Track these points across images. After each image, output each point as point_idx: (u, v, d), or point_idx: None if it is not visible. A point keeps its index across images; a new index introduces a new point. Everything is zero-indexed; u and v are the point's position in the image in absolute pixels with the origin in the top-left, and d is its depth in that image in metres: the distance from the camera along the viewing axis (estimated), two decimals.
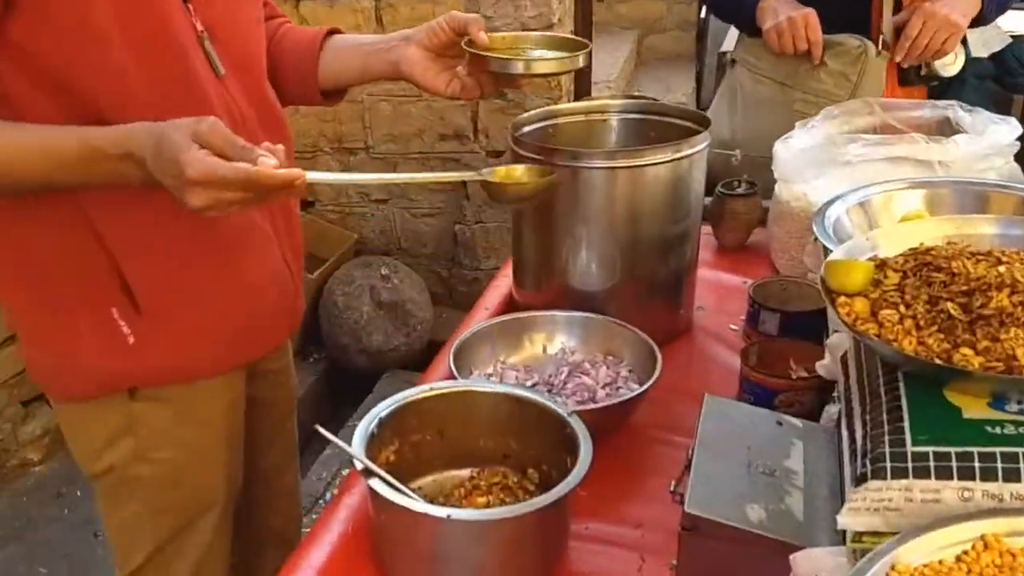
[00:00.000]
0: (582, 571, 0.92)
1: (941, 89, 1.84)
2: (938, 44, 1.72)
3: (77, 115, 0.94)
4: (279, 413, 1.36)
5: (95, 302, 1.04)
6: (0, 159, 0.92)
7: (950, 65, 1.83)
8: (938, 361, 0.74)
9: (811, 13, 1.76)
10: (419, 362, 2.62)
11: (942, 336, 0.75)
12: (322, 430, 0.90)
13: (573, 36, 1.53)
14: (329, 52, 1.21)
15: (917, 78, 1.84)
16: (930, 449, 0.73)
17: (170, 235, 1.04)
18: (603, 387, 1.22)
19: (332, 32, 1.24)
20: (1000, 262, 0.79)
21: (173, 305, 1.06)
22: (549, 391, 1.21)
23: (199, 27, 1.01)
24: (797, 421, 1.08)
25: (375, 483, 0.83)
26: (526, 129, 1.37)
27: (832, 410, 1.12)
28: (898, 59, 1.78)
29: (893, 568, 0.66)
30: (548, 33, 1.54)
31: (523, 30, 2.62)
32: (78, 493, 2.38)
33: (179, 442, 1.14)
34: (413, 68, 1.15)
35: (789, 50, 1.77)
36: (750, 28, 1.91)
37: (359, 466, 0.85)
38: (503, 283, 1.52)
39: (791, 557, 0.80)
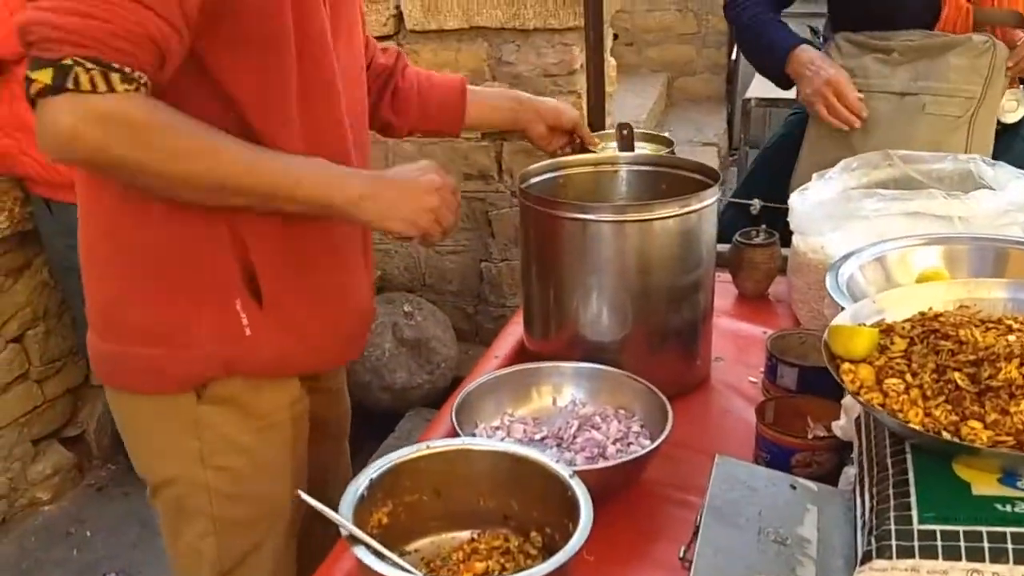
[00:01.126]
0: None
1: (998, 138, 1.82)
2: None
3: (236, 128, 1.02)
4: (338, 432, 1.41)
5: (220, 293, 1.09)
6: (241, 176, 0.99)
7: (1011, 113, 1.80)
8: (946, 435, 0.72)
9: (841, 81, 1.76)
10: (443, 400, 2.59)
11: (950, 408, 0.73)
12: (304, 496, 0.88)
13: (662, 135, 1.70)
14: (470, 105, 1.44)
15: None
16: (937, 528, 0.70)
17: (300, 235, 1.11)
18: (614, 442, 1.20)
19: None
20: (1011, 330, 0.76)
21: (293, 303, 1.13)
22: (558, 445, 1.19)
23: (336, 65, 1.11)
24: (812, 485, 1.04)
25: (360, 551, 0.81)
26: (534, 180, 1.37)
27: (850, 472, 1.09)
28: (1011, 63, 1.75)
29: None
30: (643, 130, 1.72)
31: (545, 75, 2.65)
32: (88, 533, 2.36)
33: (243, 448, 1.15)
34: (536, 137, 1.46)
35: (845, 125, 1.77)
36: (780, 82, 1.90)
37: (344, 533, 0.83)
38: (515, 330, 1.51)
39: None
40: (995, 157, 1.81)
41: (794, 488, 1.03)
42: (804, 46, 1.84)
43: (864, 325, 0.87)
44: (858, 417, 1.04)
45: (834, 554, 0.93)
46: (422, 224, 1.09)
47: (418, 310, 2.86)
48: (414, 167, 1.12)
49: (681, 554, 1.00)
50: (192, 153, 0.96)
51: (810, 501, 1.01)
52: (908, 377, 0.76)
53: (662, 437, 1.13)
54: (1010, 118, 1.81)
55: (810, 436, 1.16)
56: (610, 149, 1.47)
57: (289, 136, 1.06)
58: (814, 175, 1.45)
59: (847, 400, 1.09)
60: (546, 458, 0.97)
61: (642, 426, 1.23)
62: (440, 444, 0.98)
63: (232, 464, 1.15)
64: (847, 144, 1.77)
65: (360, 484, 0.89)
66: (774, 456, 1.16)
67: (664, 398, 1.20)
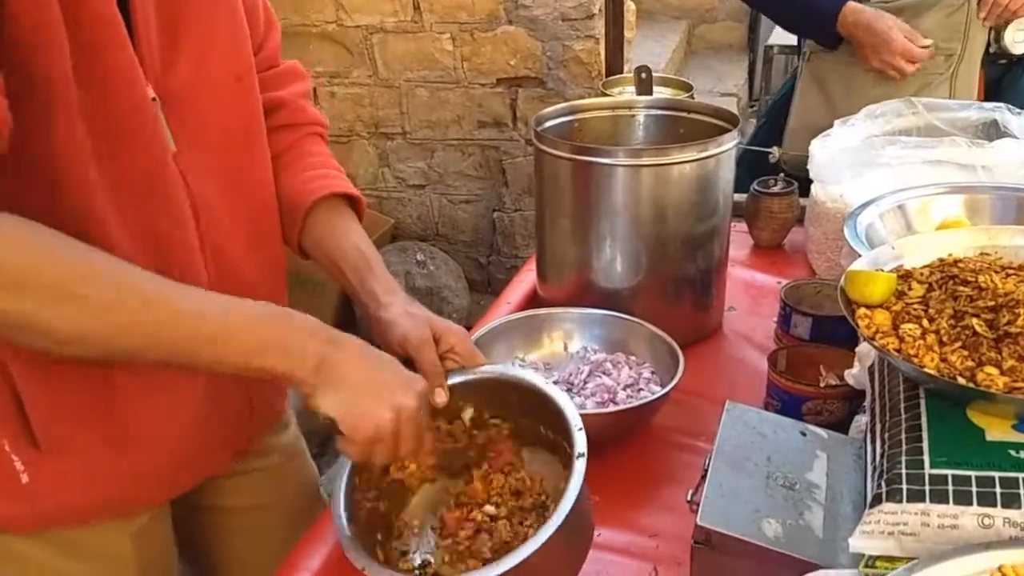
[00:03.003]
0: None
1: (1007, 71, 1.80)
2: (1018, 3, 1.70)
3: (28, 185, 0.77)
4: (263, 523, 1.14)
5: None
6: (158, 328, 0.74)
7: (1020, 43, 1.77)
8: (961, 380, 0.71)
9: (912, 50, 1.75)
10: None
11: (966, 353, 0.72)
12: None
13: (681, 79, 1.62)
14: (321, 227, 1.04)
15: (985, 55, 1.80)
16: (949, 472, 0.69)
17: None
18: (624, 388, 1.20)
19: (336, 194, 1.05)
20: None
21: (78, 440, 0.87)
22: (569, 390, 1.19)
23: (151, 94, 0.83)
24: (823, 432, 1.04)
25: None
26: (549, 124, 1.35)
27: (861, 421, 1.09)
28: (982, 16, 1.74)
29: None
30: (661, 74, 1.61)
31: (563, 20, 2.60)
32: None
33: None
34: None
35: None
36: (827, 39, 1.86)
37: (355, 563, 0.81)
38: (527, 277, 1.51)
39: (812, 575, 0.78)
40: (1001, 91, 1.79)
41: (804, 435, 1.03)
42: (851, 3, 1.80)
43: (882, 271, 0.85)
44: (872, 364, 1.04)
45: (843, 500, 0.93)
46: (380, 429, 0.81)
47: (431, 259, 2.86)
48: (401, 369, 0.86)
49: (689, 497, 1.00)
50: (109, 302, 0.72)
51: (820, 448, 1.01)
52: (925, 323, 0.75)
53: (672, 383, 1.12)
54: (1019, 49, 1.79)
55: (822, 384, 1.15)
56: (627, 94, 1.44)
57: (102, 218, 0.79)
58: (836, 125, 1.42)
59: (861, 348, 1.08)
60: (528, 375, 0.97)
61: (653, 373, 1.22)
62: None
63: None
64: (830, 101, 1.81)
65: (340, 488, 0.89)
66: (785, 404, 1.16)
67: (675, 345, 1.20)
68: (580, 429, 0.88)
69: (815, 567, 0.84)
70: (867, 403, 1.03)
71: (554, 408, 0.91)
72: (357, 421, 0.80)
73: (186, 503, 1.05)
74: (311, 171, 1.05)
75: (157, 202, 0.85)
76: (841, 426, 1.10)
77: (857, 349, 1.10)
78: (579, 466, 0.84)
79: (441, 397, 0.93)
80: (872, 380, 1.02)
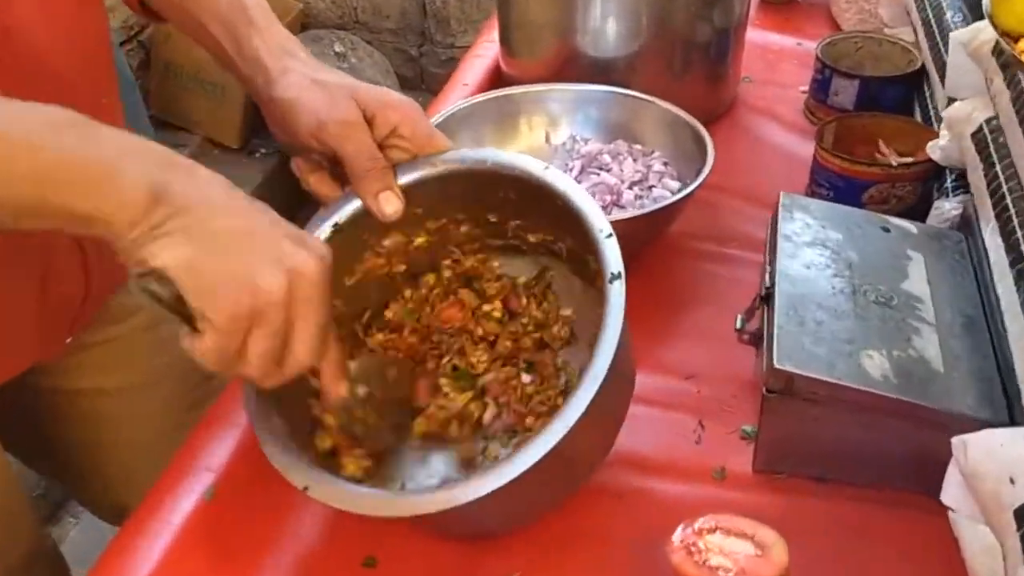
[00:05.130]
0: (622, 444, 0.66)
1: None
2: None
3: None
4: (132, 409, 0.87)
5: None
6: None
7: None
8: None
9: None
10: None
11: None
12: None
13: None
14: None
15: None
16: None
17: None
18: (630, 186, 0.92)
19: None
20: None
21: None
22: None
23: None
24: (909, 224, 0.79)
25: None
26: None
27: (947, 207, 0.83)
28: None
29: None
30: None
31: None
32: None
33: None
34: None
35: None
36: None
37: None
38: (487, 52, 1.17)
39: (955, 441, 0.54)
40: None
41: (887, 231, 0.77)
42: None
43: None
44: (977, 130, 0.77)
45: (952, 314, 0.69)
46: (257, 300, 0.49)
47: (352, 51, 2.44)
48: (283, 221, 0.53)
49: (739, 325, 0.75)
50: None
51: (911, 247, 0.75)
52: None
53: (703, 173, 0.84)
54: None
55: (895, 164, 0.88)
56: None
57: None
58: None
59: (956, 110, 0.81)
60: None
61: (665, 164, 0.94)
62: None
63: None
64: None
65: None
66: (839, 192, 0.90)
67: (696, 124, 0.91)
68: (610, 235, 0.60)
69: (937, 414, 0.61)
70: (974, 181, 0.76)
71: (565, 207, 0.62)
72: (216, 286, 0.48)
73: (20, 389, 0.74)
74: None
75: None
76: (910, 215, 0.84)
77: (947, 113, 0.82)
78: (616, 293, 0.57)
79: (391, 203, 0.63)
80: (983, 150, 0.75)
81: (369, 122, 0.63)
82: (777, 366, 0.63)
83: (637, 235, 0.85)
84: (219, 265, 0.48)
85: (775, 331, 0.65)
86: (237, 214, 0.50)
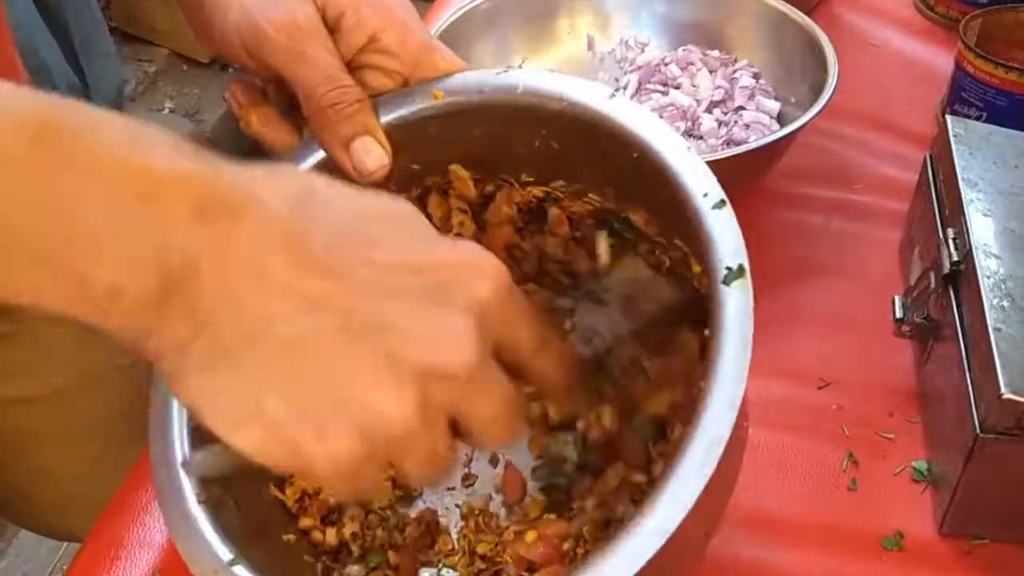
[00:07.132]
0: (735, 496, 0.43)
1: None
2: None
3: None
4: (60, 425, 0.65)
5: None
6: None
7: None
8: None
9: None
10: None
11: None
12: None
13: None
14: None
15: None
16: None
17: None
18: (709, 108, 0.67)
19: None
20: None
21: None
22: None
23: None
24: None
25: None
26: None
27: None
28: None
29: None
30: None
31: None
32: None
33: None
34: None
35: None
36: None
37: None
38: None
39: None
40: None
41: None
42: None
43: None
44: None
45: None
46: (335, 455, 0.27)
47: None
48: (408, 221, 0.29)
49: (900, 313, 0.51)
50: None
51: None
52: None
53: (828, 90, 0.59)
54: None
55: None
56: None
57: None
58: None
59: None
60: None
61: (755, 76, 0.69)
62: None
63: None
64: None
65: None
66: (994, 111, 0.66)
67: (805, 18, 0.65)
68: (720, 204, 0.36)
69: None
70: None
71: (642, 161, 0.38)
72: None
73: None
74: None
75: None
76: None
77: None
78: (737, 299, 0.34)
79: (371, 155, 0.39)
80: None
81: (332, 27, 0.39)
82: (1008, 395, 0.40)
83: (727, 178, 0.61)
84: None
85: (992, 338, 0.42)
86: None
